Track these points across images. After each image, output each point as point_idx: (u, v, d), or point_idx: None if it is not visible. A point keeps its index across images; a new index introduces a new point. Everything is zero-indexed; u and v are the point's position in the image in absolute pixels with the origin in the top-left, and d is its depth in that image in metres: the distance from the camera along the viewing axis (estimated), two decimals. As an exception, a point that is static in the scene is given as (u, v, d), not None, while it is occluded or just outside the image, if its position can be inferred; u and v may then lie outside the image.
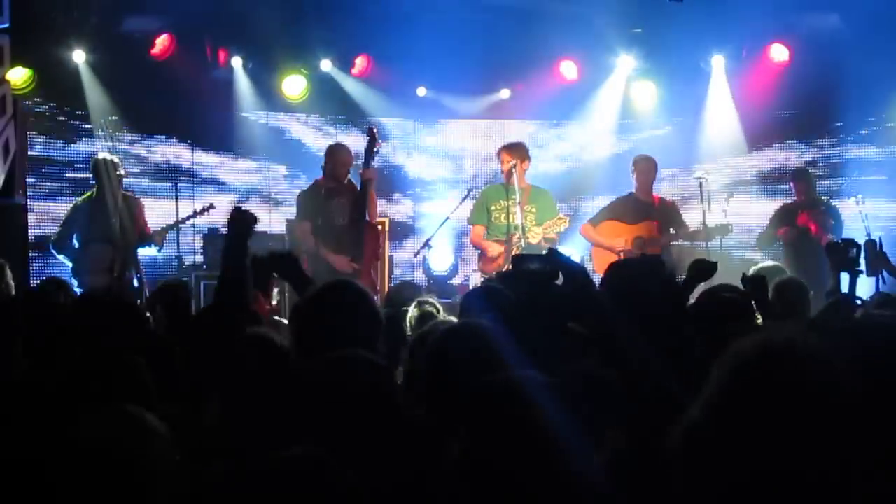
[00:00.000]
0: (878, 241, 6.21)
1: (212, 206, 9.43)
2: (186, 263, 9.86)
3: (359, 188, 8.34)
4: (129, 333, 3.87)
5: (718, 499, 1.70)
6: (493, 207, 8.67)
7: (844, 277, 5.39)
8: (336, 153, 8.51)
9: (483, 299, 3.91)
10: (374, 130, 8.55)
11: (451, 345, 3.06)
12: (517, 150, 8.64)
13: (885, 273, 7.69)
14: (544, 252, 4.00)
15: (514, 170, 8.48)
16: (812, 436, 1.66)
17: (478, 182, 10.91)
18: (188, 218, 9.31)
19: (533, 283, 3.34)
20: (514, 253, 7.76)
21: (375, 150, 8.44)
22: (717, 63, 10.46)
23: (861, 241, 8.13)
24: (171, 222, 9.24)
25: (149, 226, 9.03)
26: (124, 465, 2.01)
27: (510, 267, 4.99)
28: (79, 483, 1.96)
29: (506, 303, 3.69)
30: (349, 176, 8.51)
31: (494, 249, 8.45)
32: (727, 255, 9.72)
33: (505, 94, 11.03)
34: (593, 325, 3.09)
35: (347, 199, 8.34)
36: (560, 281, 3.37)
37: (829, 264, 5.39)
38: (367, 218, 8.36)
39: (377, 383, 2.74)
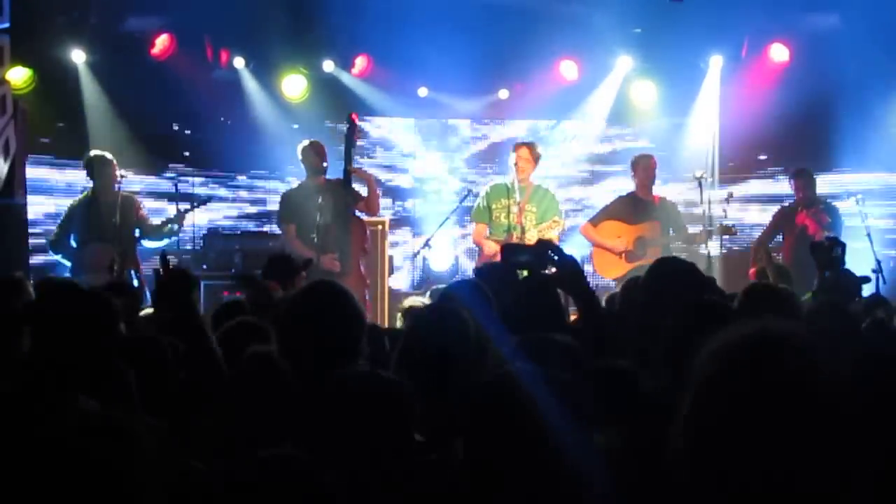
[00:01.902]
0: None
1: (209, 199, 9.49)
2: (185, 262, 9.83)
3: (342, 183, 8.31)
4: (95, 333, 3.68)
5: (716, 494, 1.68)
6: (494, 206, 8.67)
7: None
8: (317, 150, 8.51)
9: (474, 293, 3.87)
10: (355, 117, 8.43)
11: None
12: (523, 149, 8.65)
13: (883, 272, 7.70)
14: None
15: (515, 167, 8.49)
16: (802, 429, 1.65)
17: (478, 181, 10.91)
18: (185, 212, 9.28)
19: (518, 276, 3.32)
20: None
21: (357, 138, 8.39)
22: (715, 63, 10.45)
23: (864, 240, 8.24)
24: (169, 217, 9.22)
25: (150, 220, 9.01)
26: (108, 473, 1.98)
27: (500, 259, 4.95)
28: (58, 489, 1.93)
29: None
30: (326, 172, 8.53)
31: (490, 248, 8.45)
32: (728, 257, 9.73)
33: (504, 94, 11.02)
34: (586, 317, 3.09)
35: (331, 195, 8.31)
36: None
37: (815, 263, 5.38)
38: (369, 211, 8.41)
39: (392, 402, 2.72)
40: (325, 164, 8.49)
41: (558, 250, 3.21)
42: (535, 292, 3.34)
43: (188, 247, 9.76)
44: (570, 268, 3.14)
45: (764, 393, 1.66)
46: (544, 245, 3.29)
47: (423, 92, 10.88)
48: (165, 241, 9.01)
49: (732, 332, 1.73)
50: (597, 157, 11.39)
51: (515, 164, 8.51)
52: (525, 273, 3.48)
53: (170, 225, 8.90)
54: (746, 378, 1.67)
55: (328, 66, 10.60)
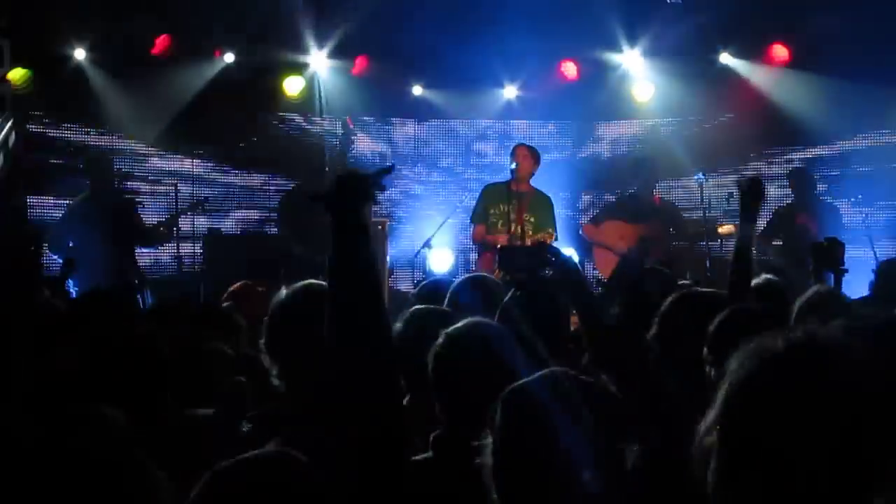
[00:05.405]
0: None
1: (206, 200, 9.49)
2: (186, 264, 9.83)
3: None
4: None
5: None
6: (491, 210, 8.62)
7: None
8: (312, 154, 8.46)
9: (474, 292, 3.85)
10: (349, 121, 8.28)
11: (456, 351, 2.94)
12: (522, 148, 8.61)
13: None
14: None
15: (515, 169, 8.44)
16: (841, 435, 1.67)
17: (478, 181, 10.90)
18: (183, 212, 9.31)
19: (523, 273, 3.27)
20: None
21: (350, 140, 8.26)
22: (727, 59, 10.45)
23: (864, 240, 8.24)
24: (168, 217, 9.22)
25: (146, 224, 9.01)
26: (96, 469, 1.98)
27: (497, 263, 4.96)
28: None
29: (498, 296, 3.63)
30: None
31: (499, 235, 8.36)
32: (727, 256, 9.70)
33: (507, 93, 11.01)
34: (583, 318, 3.06)
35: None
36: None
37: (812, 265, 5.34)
38: None
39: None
40: (326, 168, 8.47)
41: (556, 252, 3.19)
42: (535, 296, 3.33)
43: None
44: (569, 270, 3.11)
45: (806, 398, 1.69)
46: (542, 247, 3.27)
47: (418, 90, 10.88)
48: (158, 246, 9.04)
49: (766, 339, 1.76)
50: (597, 156, 11.37)
51: (515, 165, 8.46)
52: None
53: (161, 229, 8.91)
54: (788, 382, 1.70)
55: (326, 64, 10.59)
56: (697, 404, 1.89)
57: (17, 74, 9.51)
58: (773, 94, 10.36)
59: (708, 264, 9.04)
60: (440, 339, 2.88)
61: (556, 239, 8.46)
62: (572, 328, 3.65)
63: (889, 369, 1.78)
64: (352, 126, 8.17)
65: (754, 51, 10.40)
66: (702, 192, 9.10)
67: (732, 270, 4.08)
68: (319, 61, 10.57)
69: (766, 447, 1.68)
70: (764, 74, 10.40)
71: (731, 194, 9.33)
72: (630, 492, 2.18)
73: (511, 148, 8.84)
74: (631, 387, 2.67)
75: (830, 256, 5.19)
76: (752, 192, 4.27)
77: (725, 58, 10.43)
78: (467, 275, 4.46)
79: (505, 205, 8.47)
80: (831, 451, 1.65)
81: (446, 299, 4.05)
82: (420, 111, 11.22)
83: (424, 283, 5.20)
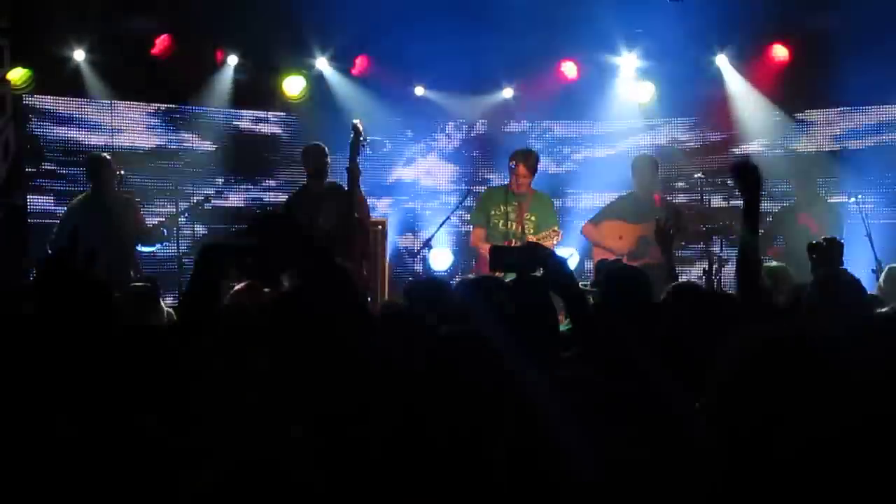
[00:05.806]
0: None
1: (207, 200, 9.50)
2: (186, 262, 9.84)
3: (346, 186, 8.25)
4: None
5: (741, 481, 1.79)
6: (492, 212, 8.62)
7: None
8: (318, 154, 8.45)
9: (475, 292, 3.86)
10: (359, 125, 8.28)
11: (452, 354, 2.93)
12: (520, 166, 8.58)
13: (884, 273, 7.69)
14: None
15: (515, 174, 8.44)
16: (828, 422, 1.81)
17: (478, 181, 10.91)
18: (186, 211, 9.33)
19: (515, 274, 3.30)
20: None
21: (361, 145, 8.24)
22: (721, 62, 10.43)
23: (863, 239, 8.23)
24: (170, 216, 9.23)
25: (147, 223, 9.02)
26: None
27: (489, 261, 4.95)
28: None
29: (499, 296, 3.64)
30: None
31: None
32: (728, 256, 9.69)
33: (507, 93, 11.01)
34: (574, 318, 3.09)
35: (334, 200, 8.26)
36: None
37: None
38: (357, 216, 8.27)
39: None
40: (326, 168, 8.46)
41: (549, 252, 3.21)
42: (525, 293, 3.33)
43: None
44: (560, 270, 3.13)
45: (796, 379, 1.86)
46: (533, 247, 3.28)
47: (420, 91, 10.88)
48: (158, 246, 9.04)
49: (760, 333, 1.85)
50: (597, 156, 11.36)
51: (514, 166, 8.46)
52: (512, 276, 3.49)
53: (162, 229, 8.92)
54: (775, 373, 1.87)
55: (326, 65, 10.59)
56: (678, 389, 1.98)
57: (17, 74, 9.53)
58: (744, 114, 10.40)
59: (709, 263, 9.03)
60: None
61: (561, 237, 8.47)
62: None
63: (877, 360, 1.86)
64: (362, 129, 8.15)
65: (754, 51, 10.38)
66: (701, 192, 9.07)
67: (738, 282, 3.85)
68: (321, 62, 10.60)
69: (757, 425, 1.76)
70: (746, 93, 10.40)
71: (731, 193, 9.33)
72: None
73: (511, 150, 8.84)
74: (616, 375, 2.70)
75: (829, 256, 5.18)
76: (741, 177, 3.92)
77: (721, 60, 10.40)
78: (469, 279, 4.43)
79: (505, 206, 8.48)
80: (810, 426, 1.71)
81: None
82: (421, 111, 11.23)
83: (415, 283, 5.17)
